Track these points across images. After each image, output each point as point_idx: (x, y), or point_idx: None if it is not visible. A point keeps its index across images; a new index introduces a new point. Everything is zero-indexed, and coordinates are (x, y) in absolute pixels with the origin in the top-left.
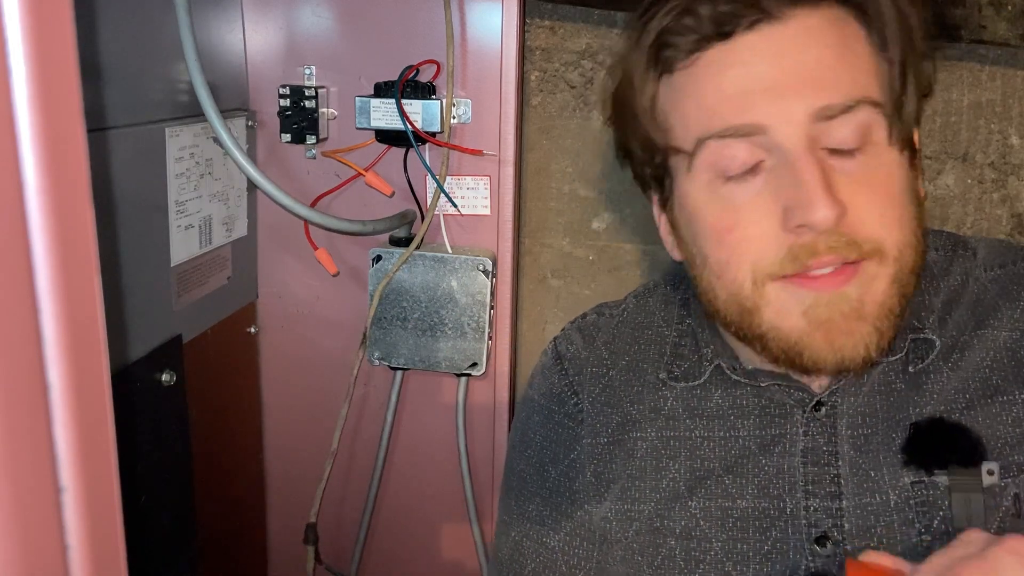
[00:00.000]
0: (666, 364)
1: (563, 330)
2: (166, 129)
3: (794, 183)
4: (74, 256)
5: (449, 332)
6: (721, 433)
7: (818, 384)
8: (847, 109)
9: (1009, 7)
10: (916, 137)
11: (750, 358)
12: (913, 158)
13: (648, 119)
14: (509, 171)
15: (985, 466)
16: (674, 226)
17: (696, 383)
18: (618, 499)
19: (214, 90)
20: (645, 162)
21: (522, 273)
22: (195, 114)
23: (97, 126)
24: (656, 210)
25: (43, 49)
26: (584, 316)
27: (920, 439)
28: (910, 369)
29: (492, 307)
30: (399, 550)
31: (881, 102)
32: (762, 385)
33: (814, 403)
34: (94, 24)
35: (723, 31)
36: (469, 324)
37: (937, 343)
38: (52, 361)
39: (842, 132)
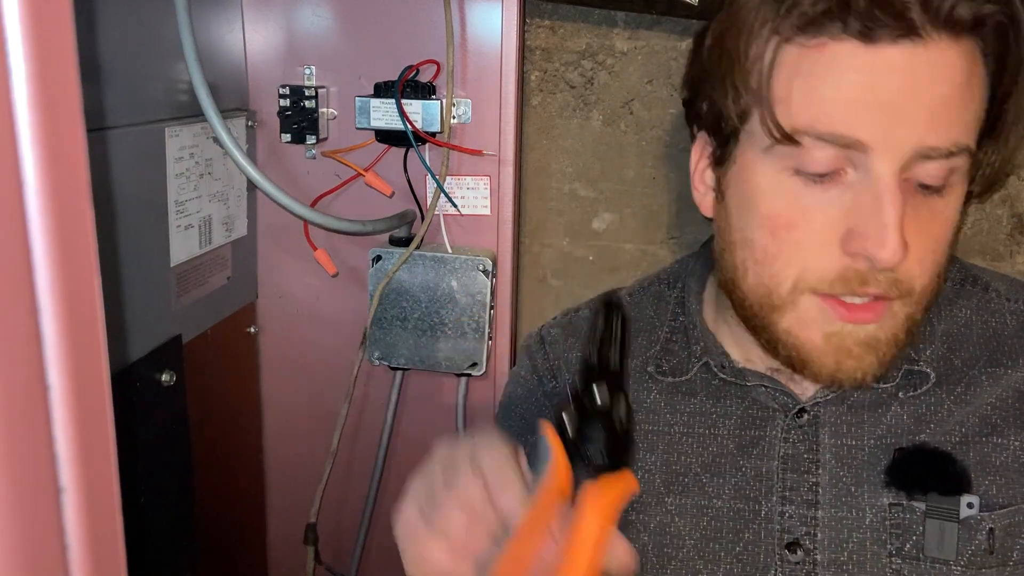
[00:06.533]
0: (654, 358)
1: (552, 319)
2: (166, 129)
3: (873, 213)
4: (74, 256)
5: (449, 332)
6: (701, 430)
7: (803, 392)
8: (948, 155)
9: None
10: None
11: (741, 357)
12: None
13: (749, 73)
14: (509, 171)
15: (965, 498)
16: (720, 187)
17: (682, 379)
18: None
19: (214, 90)
20: (717, 108)
21: (522, 273)
22: (195, 114)
23: (97, 126)
24: (697, 154)
25: (43, 49)
26: (577, 310)
27: (904, 463)
28: (900, 395)
29: (492, 307)
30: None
31: (975, 151)
32: (748, 384)
33: (797, 410)
34: (94, 24)
35: (868, 33)
36: (469, 324)
37: (932, 376)
38: (52, 361)
39: (932, 175)
